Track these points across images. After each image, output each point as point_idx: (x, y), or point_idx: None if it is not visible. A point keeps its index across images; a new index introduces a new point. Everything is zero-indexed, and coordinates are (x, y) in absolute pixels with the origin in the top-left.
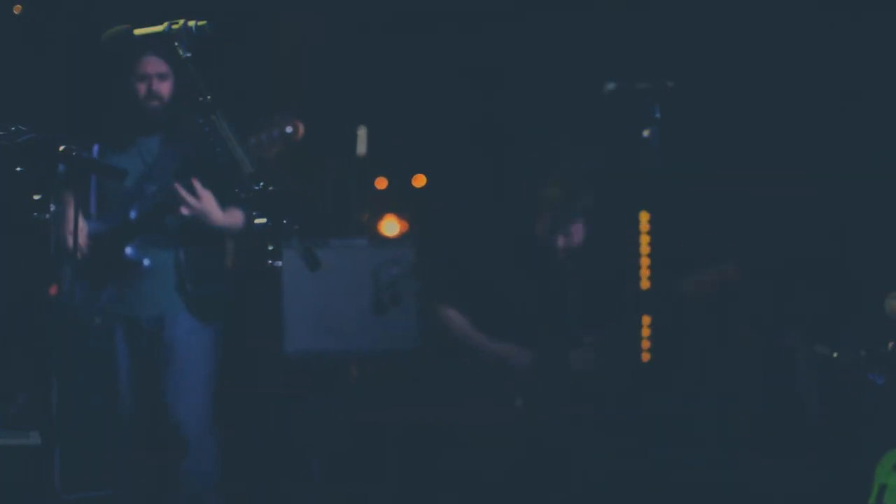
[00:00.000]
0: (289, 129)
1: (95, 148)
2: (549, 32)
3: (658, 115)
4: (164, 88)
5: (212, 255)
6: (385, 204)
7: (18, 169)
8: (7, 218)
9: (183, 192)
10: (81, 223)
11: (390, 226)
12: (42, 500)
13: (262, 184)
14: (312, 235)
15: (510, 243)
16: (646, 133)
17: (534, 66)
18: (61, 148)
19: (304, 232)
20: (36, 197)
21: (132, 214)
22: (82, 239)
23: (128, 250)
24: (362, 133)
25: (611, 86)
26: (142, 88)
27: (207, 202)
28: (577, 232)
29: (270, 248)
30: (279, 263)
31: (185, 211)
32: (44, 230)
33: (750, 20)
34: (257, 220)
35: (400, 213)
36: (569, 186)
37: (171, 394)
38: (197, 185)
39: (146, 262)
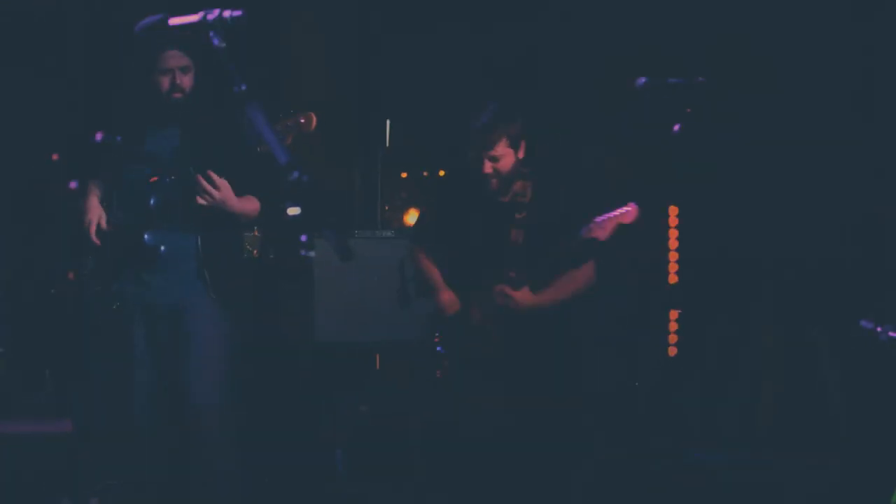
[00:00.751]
0: (301, 120)
1: (118, 139)
2: (576, 28)
3: (688, 111)
4: (186, 81)
5: (229, 243)
6: (410, 196)
7: (55, 157)
8: (34, 205)
9: (202, 182)
10: (102, 211)
11: (413, 218)
12: (71, 487)
13: (295, 174)
14: (342, 226)
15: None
16: (676, 128)
17: (562, 61)
18: (98, 136)
19: (337, 223)
20: (73, 184)
21: (151, 203)
22: (104, 226)
23: (146, 237)
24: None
25: (641, 81)
26: (165, 82)
27: (225, 191)
28: (506, 155)
29: (303, 238)
30: (312, 254)
31: (202, 201)
32: (74, 217)
33: (780, 14)
34: (290, 211)
35: (421, 206)
36: (491, 117)
37: (189, 380)
38: (213, 174)
39: (162, 248)
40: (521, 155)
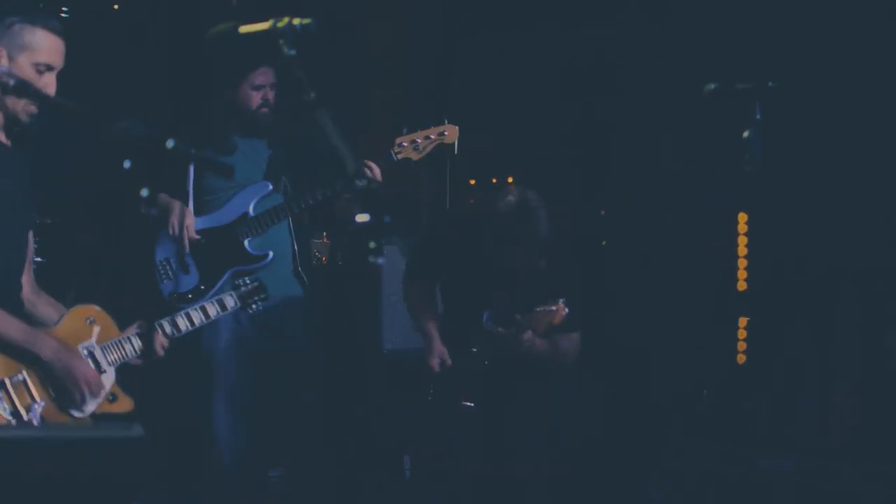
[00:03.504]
0: (445, 133)
1: (192, 149)
2: (647, 33)
3: (759, 116)
4: (272, 97)
5: (308, 245)
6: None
7: (127, 164)
8: (111, 211)
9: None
10: (191, 217)
11: None
12: (143, 489)
13: (364, 181)
14: (411, 233)
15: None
16: (746, 134)
17: (632, 66)
18: (170, 144)
19: (405, 230)
20: (143, 192)
21: (251, 211)
22: (191, 232)
23: (246, 244)
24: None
25: (711, 86)
26: (256, 98)
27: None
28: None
29: (372, 245)
30: (380, 260)
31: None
32: (150, 224)
33: (852, 18)
34: (359, 218)
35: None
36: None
37: (290, 366)
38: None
39: (270, 254)
40: None
